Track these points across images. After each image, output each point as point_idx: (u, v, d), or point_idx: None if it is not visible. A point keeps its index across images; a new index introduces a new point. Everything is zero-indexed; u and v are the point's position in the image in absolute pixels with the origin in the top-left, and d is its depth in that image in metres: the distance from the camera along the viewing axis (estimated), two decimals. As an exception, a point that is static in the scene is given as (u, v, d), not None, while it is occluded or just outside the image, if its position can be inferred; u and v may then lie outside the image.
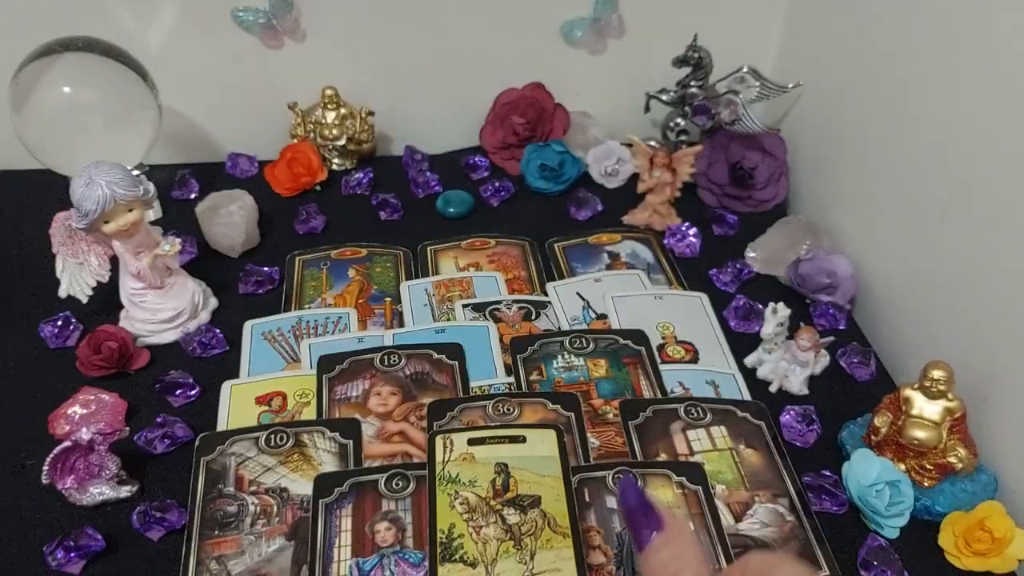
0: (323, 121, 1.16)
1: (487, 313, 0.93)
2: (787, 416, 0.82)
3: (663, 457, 0.77)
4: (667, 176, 1.06)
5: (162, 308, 0.89)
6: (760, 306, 0.92)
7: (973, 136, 0.82)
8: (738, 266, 1.01)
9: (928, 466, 0.75)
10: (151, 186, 0.86)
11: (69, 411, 0.79)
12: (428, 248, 1.04)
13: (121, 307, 0.90)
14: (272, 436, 0.77)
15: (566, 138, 1.20)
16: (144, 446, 0.78)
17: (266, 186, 1.14)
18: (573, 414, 0.80)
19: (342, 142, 1.16)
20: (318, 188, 1.15)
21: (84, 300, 0.89)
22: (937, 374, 0.73)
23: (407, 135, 1.24)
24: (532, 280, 1.00)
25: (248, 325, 0.92)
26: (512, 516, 0.69)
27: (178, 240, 0.88)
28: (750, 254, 1.04)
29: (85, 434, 0.70)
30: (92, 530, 0.69)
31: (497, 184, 1.15)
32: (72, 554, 0.68)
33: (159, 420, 0.79)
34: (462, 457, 0.73)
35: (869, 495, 0.72)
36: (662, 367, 0.87)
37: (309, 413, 0.81)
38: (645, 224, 1.09)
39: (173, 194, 1.12)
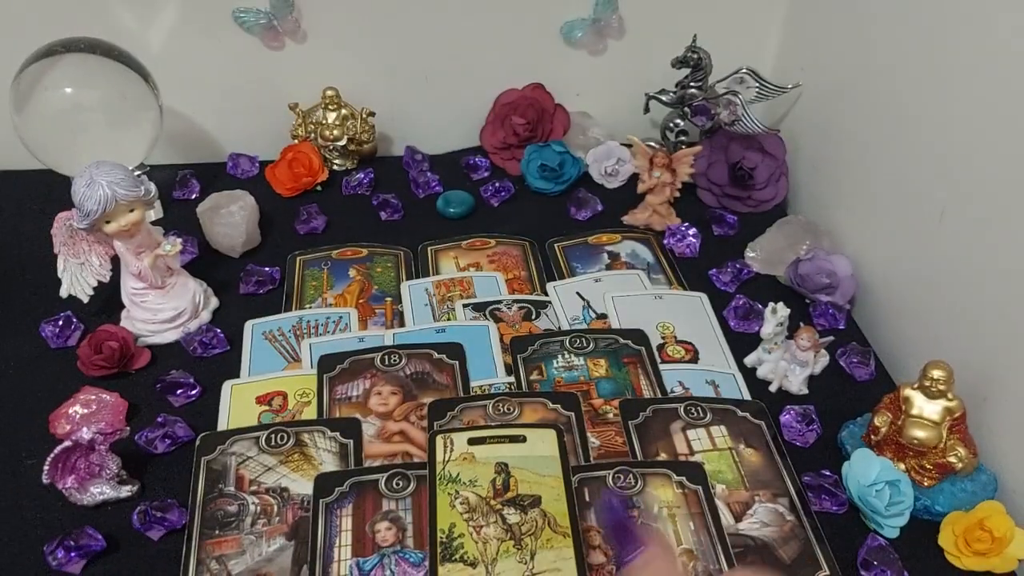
0: (324, 121, 1.16)
1: (487, 313, 0.93)
2: (787, 416, 0.82)
3: (663, 457, 0.77)
4: (667, 176, 1.06)
5: (163, 308, 0.89)
6: (760, 306, 0.93)
7: (973, 136, 0.82)
8: (738, 266, 1.01)
9: (928, 466, 0.75)
10: (152, 186, 0.86)
11: (70, 411, 0.79)
12: (428, 248, 1.05)
13: (122, 307, 0.90)
14: (273, 436, 0.77)
15: (566, 138, 1.20)
16: (145, 446, 0.78)
17: (267, 186, 1.14)
18: (573, 414, 0.80)
19: (343, 142, 1.17)
20: (319, 188, 1.15)
21: (85, 300, 0.89)
22: (937, 374, 0.74)
23: (408, 135, 1.24)
24: (532, 280, 1.00)
25: (249, 325, 0.92)
26: (512, 516, 0.69)
27: (179, 240, 0.88)
28: (750, 254, 1.04)
29: (86, 434, 0.70)
30: (92, 530, 0.69)
31: (497, 184, 1.15)
32: (72, 554, 0.68)
33: (160, 420, 0.79)
34: (462, 457, 0.73)
35: (869, 495, 0.72)
36: (662, 367, 0.87)
37: (310, 413, 0.81)
38: (645, 224, 1.09)
39: (174, 194, 1.12)
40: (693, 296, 0.98)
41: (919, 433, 0.74)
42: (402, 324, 0.93)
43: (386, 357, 0.86)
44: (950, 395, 0.74)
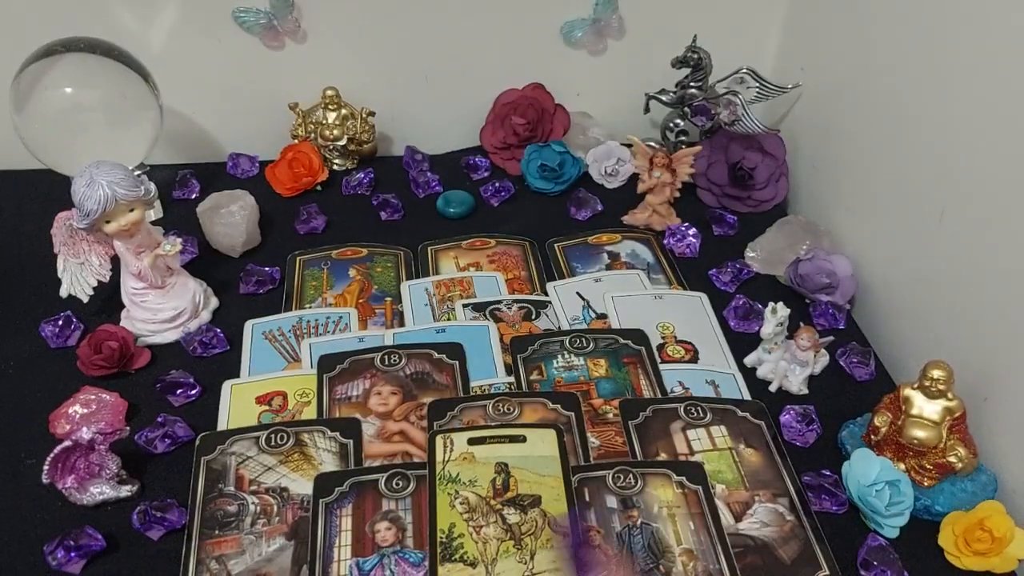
0: (324, 121, 1.16)
1: (487, 313, 0.93)
2: (787, 416, 0.82)
3: (663, 456, 0.77)
4: (667, 176, 1.06)
5: (163, 308, 0.89)
6: (760, 306, 0.92)
7: (973, 136, 0.82)
8: (738, 266, 1.01)
9: (928, 466, 0.75)
10: (152, 186, 0.86)
11: (70, 411, 0.79)
12: (428, 248, 1.05)
13: (122, 307, 0.90)
14: (272, 436, 0.77)
15: (566, 138, 1.20)
16: (144, 446, 0.78)
17: (267, 186, 1.14)
18: (573, 414, 0.80)
19: (343, 142, 1.17)
20: (319, 188, 1.15)
21: (85, 300, 0.89)
22: (937, 374, 0.73)
23: (408, 135, 1.24)
24: (532, 280, 1.00)
25: (249, 325, 0.92)
26: (512, 516, 0.69)
27: (179, 240, 0.88)
28: (750, 254, 1.04)
29: (86, 434, 0.70)
30: (92, 530, 0.69)
31: (497, 184, 1.15)
32: (72, 554, 0.68)
33: (159, 420, 0.79)
34: (462, 457, 0.73)
35: (869, 495, 0.72)
36: (662, 367, 0.87)
37: (309, 413, 0.81)
38: (645, 224, 1.09)
39: (174, 194, 1.12)
40: (693, 296, 0.98)
41: (919, 433, 0.74)
42: (402, 324, 0.93)
43: (386, 357, 0.86)
44: (950, 395, 0.74)
